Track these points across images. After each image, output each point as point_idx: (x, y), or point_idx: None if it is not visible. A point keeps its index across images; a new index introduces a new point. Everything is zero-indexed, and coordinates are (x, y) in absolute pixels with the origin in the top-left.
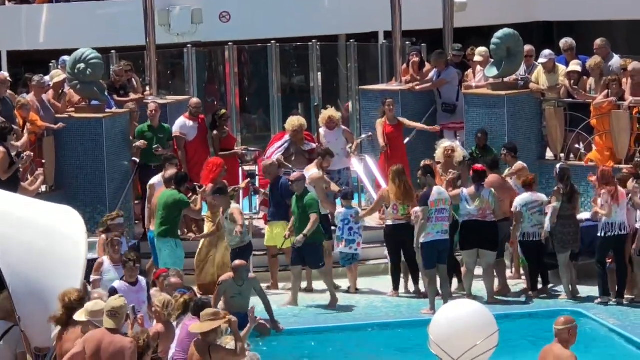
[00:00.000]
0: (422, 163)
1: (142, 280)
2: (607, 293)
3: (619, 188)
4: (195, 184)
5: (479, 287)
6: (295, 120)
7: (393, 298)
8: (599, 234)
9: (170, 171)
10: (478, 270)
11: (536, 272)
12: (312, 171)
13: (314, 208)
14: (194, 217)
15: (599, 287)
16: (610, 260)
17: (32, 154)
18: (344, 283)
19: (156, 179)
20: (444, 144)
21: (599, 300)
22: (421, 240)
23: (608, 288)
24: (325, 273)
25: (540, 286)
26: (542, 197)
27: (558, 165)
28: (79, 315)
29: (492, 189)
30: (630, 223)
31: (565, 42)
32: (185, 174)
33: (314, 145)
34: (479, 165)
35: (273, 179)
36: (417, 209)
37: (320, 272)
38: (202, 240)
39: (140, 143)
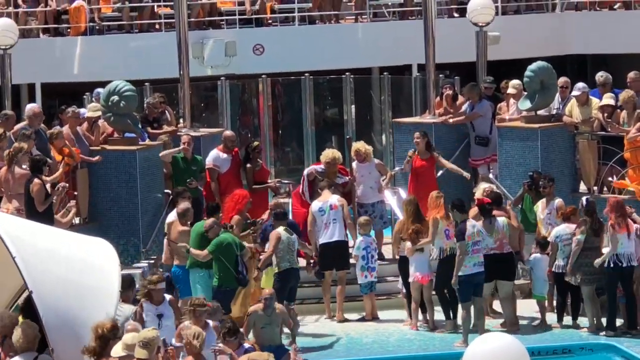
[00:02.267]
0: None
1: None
2: (613, 327)
3: (629, 220)
4: (227, 224)
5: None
6: (330, 153)
7: (426, 331)
8: (605, 266)
9: (183, 205)
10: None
11: (564, 304)
12: (335, 197)
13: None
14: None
15: (607, 320)
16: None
17: (67, 184)
18: (351, 316)
19: (173, 216)
20: (482, 185)
21: (604, 333)
22: (460, 272)
23: (614, 321)
24: None
25: (565, 318)
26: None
27: (584, 198)
28: (117, 351)
29: (505, 219)
30: (638, 255)
31: (600, 76)
32: (217, 204)
33: (347, 179)
34: (482, 199)
35: None
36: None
37: None
38: None
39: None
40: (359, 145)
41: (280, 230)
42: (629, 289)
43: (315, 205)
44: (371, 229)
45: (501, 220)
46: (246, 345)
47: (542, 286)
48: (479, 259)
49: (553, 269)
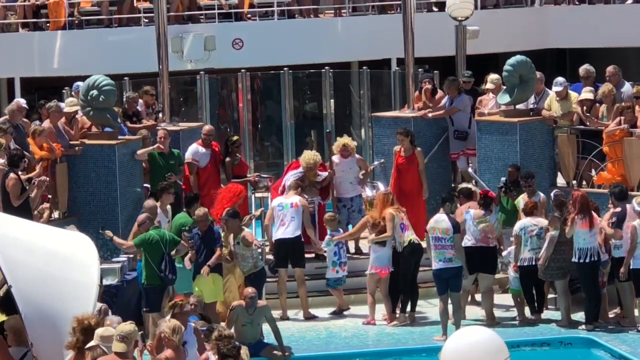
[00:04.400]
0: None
1: None
2: (591, 321)
3: (594, 214)
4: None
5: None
6: (310, 159)
7: (404, 325)
8: (573, 260)
9: (167, 200)
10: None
11: (532, 296)
12: (298, 197)
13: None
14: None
15: (585, 314)
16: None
17: (47, 178)
18: (319, 312)
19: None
20: (462, 186)
21: (583, 327)
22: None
23: (592, 316)
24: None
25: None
26: (542, 221)
27: (553, 193)
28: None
29: (500, 215)
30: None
31: (584, 69)
32: (195, 194)
33: (326, 175)
34: (488, 191)
35: (204, 228)
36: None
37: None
38: None
39: (154, 147)
40: (347, 141)
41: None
42: (596, 284)
43: (276, 201)
44: (337, 224)
45: (496, 215)
46: None
47: (519, 280)
48: (444, 255)
49: (519, 263)
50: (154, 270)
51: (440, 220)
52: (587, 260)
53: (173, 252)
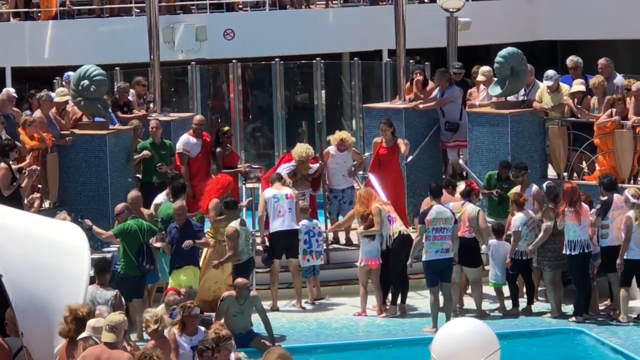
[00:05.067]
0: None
1: None
2: (581, 313)
3: (584, 206)
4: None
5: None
6: (303, 152)
7: (394, 317)
8: (563, 252)
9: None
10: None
11: (516, 288)
12: (289, 189)
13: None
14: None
15: (575, 305)
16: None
17: (38, 168)
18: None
19: (162, 198)
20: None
21: (573, 319)
22: (423, 258)
23: (582, 307)
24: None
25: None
26: (534, 214)
27: (545, 184)
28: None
29: (479, 209)
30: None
31: (571, 60)
32: (183, 185)
33: (317, 166)
34: (471, 183)
35: (182, 222)
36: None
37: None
38: (203, 257)
39: (144, 154)
40: (345, 136)
41: (235, 224)
42: (587, 276)
43: (269, 192)
44: (309, 213)
45: (474, 207)
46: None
47: (501, 273)
48: (442, 246)
49: (519, 257)
50: (132, 260)
51: (442, 211)
52: (577, 252)
53: (151, 240)
